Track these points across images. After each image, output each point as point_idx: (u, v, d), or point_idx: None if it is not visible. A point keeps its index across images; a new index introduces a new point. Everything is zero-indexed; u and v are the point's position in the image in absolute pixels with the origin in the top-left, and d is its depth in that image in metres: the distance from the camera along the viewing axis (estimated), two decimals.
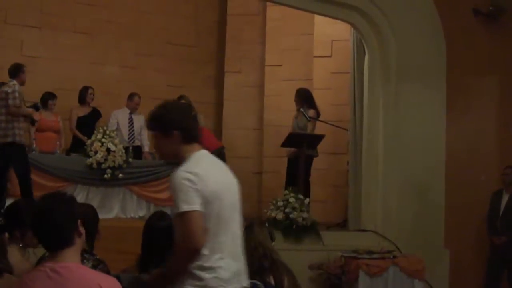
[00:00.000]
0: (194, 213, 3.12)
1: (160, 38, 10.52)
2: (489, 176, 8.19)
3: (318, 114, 8.80)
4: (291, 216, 7.53)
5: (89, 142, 8.05)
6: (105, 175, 7.86)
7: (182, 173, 3.19)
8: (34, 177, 7.52)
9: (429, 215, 7.92)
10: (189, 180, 3.15)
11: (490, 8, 8.18)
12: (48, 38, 9.90)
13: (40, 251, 3.73)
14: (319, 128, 8.86)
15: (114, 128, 8.87)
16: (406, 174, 7.94)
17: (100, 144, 7.94)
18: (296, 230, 7.53)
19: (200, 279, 3.17)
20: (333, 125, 8.84)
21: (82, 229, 2.81)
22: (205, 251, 3.16)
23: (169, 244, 3.57)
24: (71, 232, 2.75)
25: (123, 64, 10.28)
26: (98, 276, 2.77)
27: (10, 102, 7.05)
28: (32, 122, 7.71)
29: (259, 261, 4.44)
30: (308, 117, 8.61)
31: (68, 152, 8.67)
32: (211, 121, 10.61)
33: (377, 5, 8.02)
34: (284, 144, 8.59)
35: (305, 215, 7.59)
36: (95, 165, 7.85)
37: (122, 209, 8.08)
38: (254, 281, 4.06)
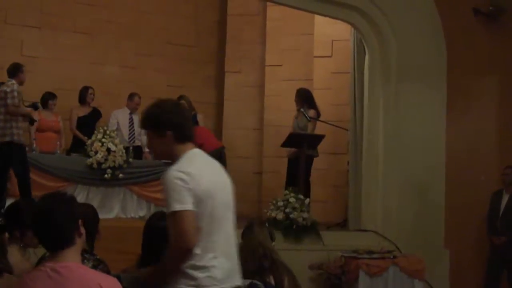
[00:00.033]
0: (186, 213, 3.12)
1: (160, 38, 10.52)
2: (489, 176, 8.19)
3: (318, 114, 8.80)
4: (291, 216, 7.54)
5: (89, 142, 8.05)
6: (106, 175, 7.85)
7: (174, 172, 3.19)
8: (35, 177, 7.52)
9: (429, 215, 7.92)
10: (181, 179, 3.15)
11: (490, 8, 8.18)
12: (48, 38, 9.90)
13: (41, 251, 3.74)
14: (319, 128, 8.86)
15: (114, 128, 8.87)
16: (406, 174, 7.94)
17: (100, 144, 7.94)
18: (296, 230, 7.53)
19: (193, 278, 3.17)
20: (333, 125, 8.84)
21: (82, 229, 2.81)
22: (198, 251, 3.16)
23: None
24: (72, 232, 2.75)
25: (123, 64, 10.29)
26: (98, 276, 2.78)
27: (9, 101, 7.05)
28: (31, 121, 7.71)
29: (259, 261, 4.44)
30: (308, 117, 8.61)
31: (69, 152, 8.66)
32: (211, 121, 10.62)
33: (377, 5, 8.02)
34: (284, 144, 8.59)
35: (305, 215, 7.59)
36: (95, 165, 7.85)
37: (122, 209, 8.08)
38: (254, 281, 4.07)
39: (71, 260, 2.73)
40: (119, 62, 10.27)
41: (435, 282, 7.58)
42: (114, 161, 7.88)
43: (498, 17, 8.25)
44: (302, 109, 8.72)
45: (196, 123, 9.26)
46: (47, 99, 8.73)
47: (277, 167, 9.60)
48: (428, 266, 7.19)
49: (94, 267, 3.68)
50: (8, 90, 7.09)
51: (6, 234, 4.09)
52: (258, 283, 4.08)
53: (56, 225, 2.71)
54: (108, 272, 3.66)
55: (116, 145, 7.95)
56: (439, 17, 8.08)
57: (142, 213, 8.07)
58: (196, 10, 10.90)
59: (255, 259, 4.44)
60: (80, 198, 7.46)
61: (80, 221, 2.81)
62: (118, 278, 3.09)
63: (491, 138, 8.31)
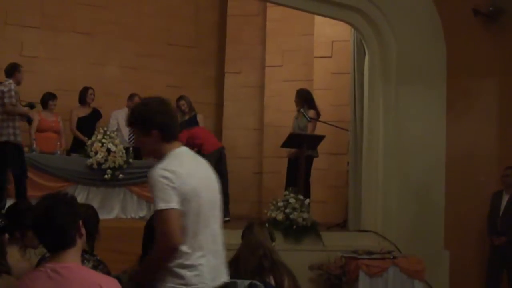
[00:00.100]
0: (172, 211, 3.13)
1: (160, 38, 10.52)
2: (489, 177, 8.19)
3: (318, 114, 8.80)
4: (291, 216, 7.54)
5: (89, 142, 8.06)
6: (106, 176, 7.86)
7: (159, 170, 3.20)
8: (35, 177, 7.54)
9: (429, 216, 7.92)
10: (166, 177, 3.17)
11: (490, 8, 8.18)
12: (48, 38, 9.90)
13: (41, 251, 3.74)
14: (319, 129, 8.86)
15: (115, 128, 8.88)
16: (406, 174, 7.94)
17: (100, 144, 7.95)
18: (296, 231, 7.53)
19: (181, 277, 3.19)
20: (333, 125, 8.84)
21: (83, 230, 2.82)
22: (185, 249, 3.18)
23: None
24: (73, 233, 2.75)
25: (123, 64, 10.29)
26: (98, 277, 2.78)
27: (6, 100, 7.06)
28: (29, 120, 7.71)
29: (259, 261, 4.45)
30: (308, 118, 8.61)
31: (69, 152, 8.67)
32: (211, 121, 10.63)
33: (377, 5, 8.02)
34: (284, 145, 8.59)
35: (305, 215, 7.59)
36: (95, 166, 7.85)
37: (122, 209, 8.09)
38: (254, 281, 4.07)
39: (71, 261, 2.73)
40: (119, 62, 10.27)
41: (435, 282, 7.58)
42: (114, 162, 7.88)
43: (498, 17, 8.25)
44: (302, 110, 8.73)
45: (196, 123, 9.27)
46: (47, 99, 8.74)
47: (277, 168, 9.60)
48: (428, 266, 7.19)
49: (94, 267, 3.69)
50: (6, 89, 7.11)
51: (6, 235, 4.09)
52: (258, 283, 4.08)
53: (57, 226, 2.71)
54: (108, 272, 3.66)
55: (116, 146, 7.96)
56: (439, 18, 8.08)
57: (142, 213, 8.08)
58: (196, 11, 10.90)
59: (255, 259, 4.45)
60: (80, 198, 7.46)
61: (80, 221, 2.81)
62: (119, 279, 3.09)
63: (491, 139, 8.31)
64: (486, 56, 8.26)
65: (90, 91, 9.19)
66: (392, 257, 7.05)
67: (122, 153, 7.98)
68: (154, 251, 3.19)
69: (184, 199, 3.17)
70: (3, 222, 4.08)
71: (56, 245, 2.74)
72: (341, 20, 8.52)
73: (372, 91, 8.19)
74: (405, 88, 8.01)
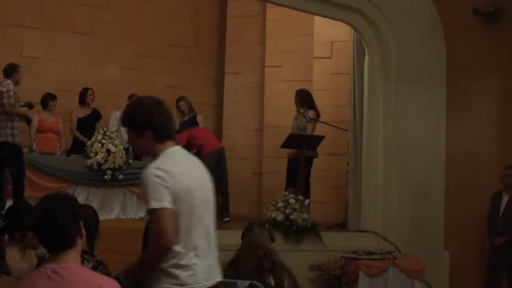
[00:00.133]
0: (164, 210, 3.14)
1: (160, 39, 10.52)
2: (489, 177, 8.19)
3: (318, 115, 8.80)
4: (291, 217, 7.54)
5: (89, 143, 8.06)
6: (105, 176, 7.86)
7: (152, 170, 3.22)
8: (34, 178, 7.54)
9: (429, 216, 7.92)
10: (159, 177, 3.17)
11: (490, 8, 8.19)
12: (48, 39, 9.90)
13: (41, 251, 3.74)
14: (319, 129, 8.86)
15: (114, 129, 8.87)
16: (406, 175, 7.94)
17: (100, 145, 7.95)
18: (296, 231, 7.53)
19: (176, 277, 3.20)
20: (333, 126, 8.84)
21: (83, 231, 2.81)
22: (179, 249, 3.18)
23: None
24: (74, 234, 2.75)
25: (123, 65, 10.28)
26: (98, 278, 2.78)
27: (5, 101, 7.06)
28: (27, 121, 7.70)
29: (259, 262, 4.45)
30: (308, 118, 8.61)
31: (68, 153, 8.67)
32: (211, 122, 10.63)
33: (377, 6, 8.02)
34: (284, 145, 8.59)
35: (305, 216, 7.59)
36: (95, 166, 7.85)
37: (122, 210, 8.08)
38: (254, 282, 4.07)
39: (71, 261, 2.73)
40: (119, 63, 10.27)
41: (435, 283, 7.58)
42: (114, 162, 7.88)
43: (498, 17, 8.25)
44: (301, 110, 8.73)
45: (196, 124, 9.28)
46: (47, 100, 8.74)
47: (277, 168, 9.60)
48: (428, 267, 7.19)
49: (94, 268, 3.69)
50: (4, 90, 7.11)
51: (6, 236, 4.09)
52: (258, 284, 4.09)
53: (58, 226, 2.71)
54: (108, 273, 3.66)
55: (116, 146, 7.96)
56: (438, 18, 8.08)
57: (142, 214, 8.07)
58: (196, 12, 10.90)
59: (255, 260, 4.45)
60: (80, 199, 7.45)
61: (81, 222, 2.81)
62: (118, 279, 3.09)
63: (491, 139, 8.31)
64: (486, 56, 8.26)
65: (90, 92, 9.19)
66: (392, 258, 7.05)
67: (122, 153, 7.98)
68: (148, 251, 3.20)
69: (177, 198, 3.18)
70: (3, 223, 4.08)
71: (57, 245, 2.73)
72: (341, 21, 8.53)
73: (372, 91, 8.19)
74: (405, 88, 8.01)
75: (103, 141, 7.99)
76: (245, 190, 10.10)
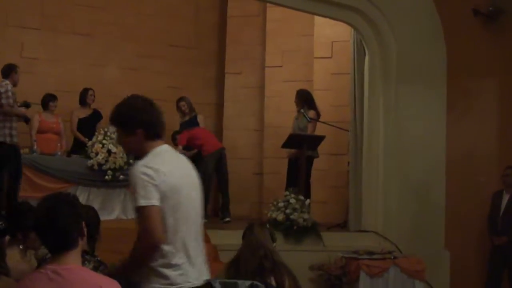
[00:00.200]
0: (152, 208, 3.15)
1: (161, 39, 10.51)
2: (489, 176, 8.19)
3: (318, 115, 8.80)
4: (291, 217, 7.54)
5: (90, 143, 8.06)
6: (106, 177, 7.86)
7: (140, 167, 3.22)
8: (35, 178, 7.54)
9: (429, 216, 7.92)
10: (147, 174, 3.18)
11: (490, 8, 8.19)
12: (48, 39, 9.89)
13: (42, 252, 3.74)
14: (320, 129, 8.86)
15: (115, 129, 8.86)
16: (407, 175, 7.95)
17: (101, 145, 7.95)
18: (297, 231, 7.54)
19: (166, 277, 3.21)
20: (333, 126, 8.84)
21: (84, 231, 2.81)
22: (168, 248, 3.19)
23: None
24: (76, 235, 2.74)
25: (124, 65, 10.27)
26: (99, 278, 2.77)
27: (4, 101, 7.04)
28: (26, 120, 7.69)
29: (260, 262, 4.45)
30: (308, 118, 8.61)
31: (69, 153, 8.67)
32: (212, 122, 10.62)
33: (377, 6, 8.02)
34: (284, 145, 8.59)
35: (305, 216, 7.60)
36: (96, 167, 7.86)
37: (123, 210, 8.07)
38: (255, 282, 4.07)
39: (72, 262, 2.73)
40: (119, 63, 10.26)
41: (435, 282, 7.58)
42: (114, 163, 7.88)
43: (498, 17, 8.26)
44: (302, 110, 8.73)
45: (197, 124, 9.28)
46: (48, 100, 8.74)
47: (278, 168, 9.60)
48: (429, 266, 7.20)
49: (95, 268, 3.69)
50: (2, 90, 7.09)
51: (7, 237, 4.09)
52: (259, 284, 4.08)
53: (60, 226, 2.70)
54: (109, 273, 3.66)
55: (116, 147, 7.95)
56: (439, 18, 8.09)
57: None
58: (196, 12, 10.90)
59: (256, 260, 4.45)
60: (81, 199, 7.34)
61: (83, 223, 2.81)
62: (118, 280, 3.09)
63: (491, 139, 8.31)
64: (486, 56, 8.27)
65: (90, 92, 9.19)
66: (392, 257, 7.06)
67: (123, 154, 7.97)
68: (137, 248, 3.21)
69: (165, 196, 3.19)
70: (3, 225, 4.08)
71: (59, 246, 2.73)
72: (341, 21, 8.53)
73: (372, 91, 8.19)
74: (405, 88, 8.02)
75: (104, 141, 7.99)
76: (245, 190, 10.10)
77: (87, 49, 10.07)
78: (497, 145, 8.31)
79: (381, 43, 8.12)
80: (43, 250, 3.93)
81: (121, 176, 7.92)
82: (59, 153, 8.23)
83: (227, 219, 8.66)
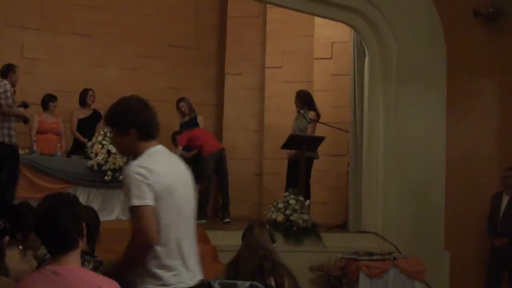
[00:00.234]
0: (146, 208, 3.15)
1: (161, 40, 10.51)
2: (489, 178, 8.19)
3: (318, 116, 8.80)
4: (291, 218, 7.54)
5: (89, 144, 8.06)
6: (106, 177, 7.86)
7: (135, 167, 3.23)
8: (35, 179, 7.54)
9: (429, 217, 7.92)
10: (141, 174, 3.19)
11: (490, 9, 8.20)
12: (49, 40, 9.89)
13: (42, 252, 3.73)
14: (319, 130, 8.86)
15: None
16: (407, 175, 7.94)
17: (100, 146, 7.95)
18: (297, 232, 7.54)
19: (159, 278, 3.21)
20: (333, 127, 8.84)
21: (84, 232, 2.81)
22: (162, 249, 3.20)
23: None
24: (76, 236, 2.74)
25: (124, 66, 10.27)
26: (98, 279, 2.77)
27: (2, 101, 7.01)
28: (25, 121, 7.69)
29: (260, 263, 4.44)
30: (308, 119, 8.61)
31: (69, 154, 8.67)
32: (212, 123, 10.62)
33: (377, 6, 8.02)
34: (284, 146, 8.59)
35: (305, 217, 7.59)
36: (95, 167, 7.86)
37: (123, 211, 8.06)
38: (255, 282, 4.07)
39: (72, 263, 2.72)
40: (119, 64, 10.26)
41: (435, 283, 7.58)
42: (114, 163, 7.88)
43: (498, 18, 8.26)
44: (302, 111, 8.73)
45: (196, 125, 9.28)
46: (48, 101, 8.73)
47: (277, 169, 9.60)
48: (428, 267, 7.19)
49: (95, 269, 3.69)
50: (1, 90, 7.06)
51: (6, 237, 4.09)
52: (259, 284, 4.08)
53: (60, 227, 2.70)
54: None
55: None
56: (439, 18, 8.09)
57: None
58: (196, 12, 10.90)
59: (255, 261, 4.45)
60: (81, 200, 7.30)
61: (84, 224, 2.80)
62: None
63: (491, 140, 8.32)
64: (486, 56, 8.27)
65: (90, 93, 9.19)
66: (392, 258, 7.05)
67: None
68: (131, 248, 3.21)
69: (158, 196, 3.19)
70: (3, 225, 4.08)
71: (59, 247, 2.72)
72: (341, 22, 8.53)
73: (372, 92, 8.20)
74: (405, 89, 8.02)
75: (104, 142, 7.99)
76: (245, 191, 10.10)
77: (87, 49, 10.07)
78: (497, 145, 8.31)
79: (381, 43, 8.12)
80: (43, 250, 3.92)
81: (121, 177, 7.89)
82: (59, 153, 8.22)
83: (227, 220, 8.66)
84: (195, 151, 9.08)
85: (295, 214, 7.56)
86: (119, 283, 2.80)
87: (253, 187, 10.30)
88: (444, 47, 8.09)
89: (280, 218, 7.56)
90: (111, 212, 7.96)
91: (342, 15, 8.22)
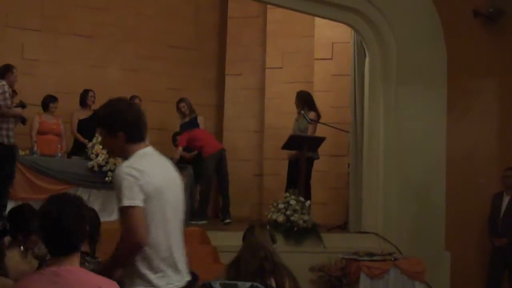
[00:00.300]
0: (136, 208, 3.17)
1: (161, 40, 10.51)
2: (489, 178, 8.19)
3: (318, 116, 8.80)
4: (292, 218, 7.54)
5: (90, 145, 8.06)
6: (107, 178, 7.86)
7: (125, 168, 3.24)
8: (36, 180, 7.53)
9: (429, 217, 7.92)
10: (132, 175, 3.20)
11: (490, 10, 8.20)
12: (49, 41, 9.89)
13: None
14: (320, 131, 8.86)
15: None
16: (407, 176, 7.95)
17: (101, 147, 7.95)
18: (297, 233, 7.54)
19: (148, 280, 3.22)
20: (333, 127, 8.84)
21: (87, 233, 2.81)
22: (150, 250, 3.21)
23: None
24: (80, 238, 2.74)
25: (124, 67, 10.28)
26: (98, 279, 2.77)
27: (1, 103, 6.99)
28: (23, 121, 7.68)
29: (260, 263, 4.44)
30: (308, 120, 8.61)
31: (69, 155, 8.66)
32: (212, 123, 10.62)
33: (377, 7, 8.03)
34: (284, 147, 8.59)
35: (306, 217, 7.59)
36: (96, 168, 7.86)
37: None
38: (255, 283, 4.07)
39: (72, 264, 2.72)
40: (120, 65, 10.26)
41: (436, 284, 7.58)
42: (115, 164, 7.87)
43: (498, 19, 8.26)
44: (302, 112, 8.73)
45: (197, 125, 9.28)
46: (48, 102, 8.73)
47: (278, 169, 9.60)
48: (429, 268, 7.19)
49: (95, 270, 3.68)
50: (0, 91, 7.05)
51: (6, 238, 4.09)
52: (259, 285, 4.08)
53: (65, 229, 2.69)
54: None
55: None
56: (439, 19, 8.09)
57: None
58: (197, 13, 10.90)
59: (256, 261, 4.44)
60: None
61: (88, 226, 2.80)
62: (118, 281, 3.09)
63: (492, 140, 8.31)
64: (486, 56, 8.27)
65: (90, 94, 9.18)
66: (393, 259, 7.05)
67: None
68: (119, 248, 3.22)
69: (148, 197, 3.21)
70: (3, 225, 4.08)
71: (62, 250, 2.71)
72: (341, 22, 8.53)
73: (373, 92, 8.20)
74: (405, 89, 8.02)
75: None
76: (245, 192, 10.10)
77: (88, 50, 10.07)
78: (497, 145, 8.31)
79: (381, 44, 8.13)
80: (43, 250, 3.93)
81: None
82: (59, 154, 8.22)
83: (227, 220, 8.66)
84: (195, 152, 9.08)
85: (296, 215, 7.56)
86: None
87: (253, 188, 10.31)
88: (444, 47, 8.09)
89: (281, 218, 7.56)
90: (112, 213, 7.89)
91: (342, 15, 8.23)
